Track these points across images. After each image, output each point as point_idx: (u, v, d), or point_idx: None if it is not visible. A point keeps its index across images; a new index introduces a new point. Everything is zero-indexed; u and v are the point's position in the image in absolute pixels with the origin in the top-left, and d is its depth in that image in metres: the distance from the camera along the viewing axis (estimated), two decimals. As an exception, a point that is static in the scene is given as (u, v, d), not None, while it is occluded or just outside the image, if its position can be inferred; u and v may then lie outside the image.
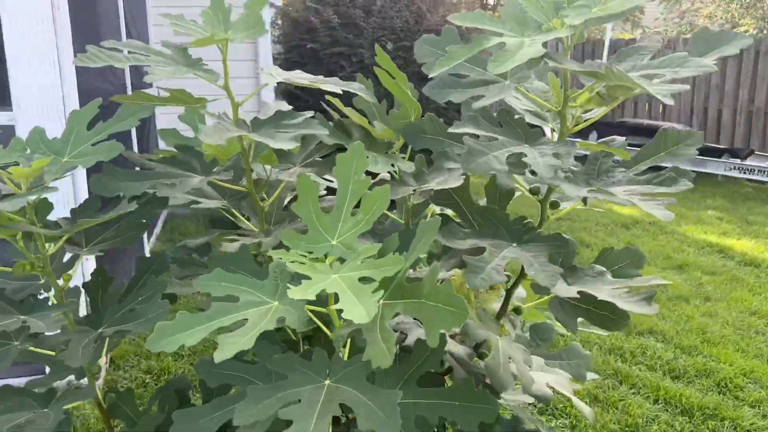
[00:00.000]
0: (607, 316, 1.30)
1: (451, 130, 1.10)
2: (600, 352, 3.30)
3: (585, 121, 1.18)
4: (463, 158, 1.02)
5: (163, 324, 0.89)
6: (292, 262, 0.94)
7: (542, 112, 1.25)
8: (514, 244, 1.19)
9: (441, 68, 1.04)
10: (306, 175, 1.02)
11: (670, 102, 0.92)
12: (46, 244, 1.13)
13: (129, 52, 1.11)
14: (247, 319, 0.90)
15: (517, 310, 1.38)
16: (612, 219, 6.01)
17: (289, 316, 0.91)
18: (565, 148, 1.07)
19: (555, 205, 1.29)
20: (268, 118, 1.17)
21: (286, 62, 6.75)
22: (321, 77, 1.22)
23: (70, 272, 1.20)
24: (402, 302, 0.92)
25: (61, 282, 1.19)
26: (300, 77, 1.20)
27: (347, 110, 1.33)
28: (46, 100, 2.13)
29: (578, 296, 1.29)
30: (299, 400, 0.91)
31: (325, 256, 0.99)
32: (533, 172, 1.22)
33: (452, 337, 1.34)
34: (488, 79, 1.17)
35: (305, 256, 0.98)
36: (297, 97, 5.97)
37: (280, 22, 6.89)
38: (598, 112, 1.20)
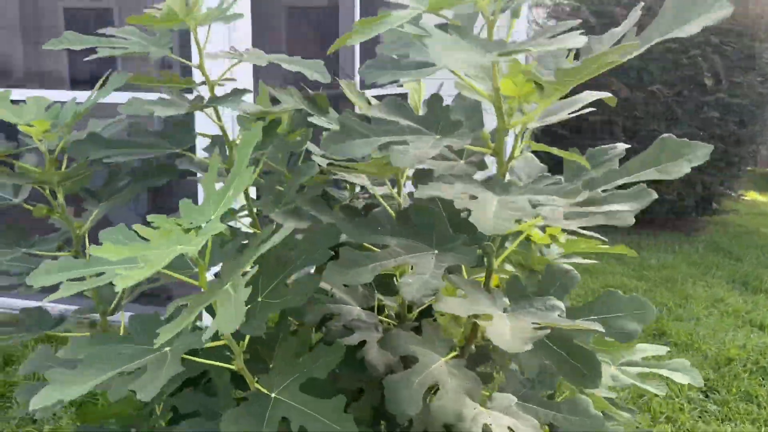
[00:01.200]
0: (578, 368, 1.06)
1: (360, 112, 1.00)
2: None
3: (525, 115, 0.96)
4: (326, 138, 0.92)
5: (48, 263, 1.00)
6: (150, 226, 0.98)
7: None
8: (436, 251, 1.04)
9: (338, 45, 0.96)
10: (215, 153, 1.06)
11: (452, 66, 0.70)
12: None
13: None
14: (104, 273, 0.97)
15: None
16: None
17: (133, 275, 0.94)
18: (460, 140, 0.90)
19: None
20: (226, 93, 1.22)
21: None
22: (283, 56, 1.22)
23: (84, 221, 1.41)
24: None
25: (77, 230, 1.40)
26: (262, 57, 1.21)
27: (343, 83, 1.30)
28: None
29: (546, 333, 1.07)
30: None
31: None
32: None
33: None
34: (426, 61, 1.03)
35: (180, 225, 1.01)
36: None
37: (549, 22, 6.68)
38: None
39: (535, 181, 0.95)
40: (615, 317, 1.11)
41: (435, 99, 1.01)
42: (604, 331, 0.90)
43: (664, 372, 1.44)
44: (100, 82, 1.28)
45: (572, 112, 1.03)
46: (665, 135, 0.97)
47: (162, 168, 1.42)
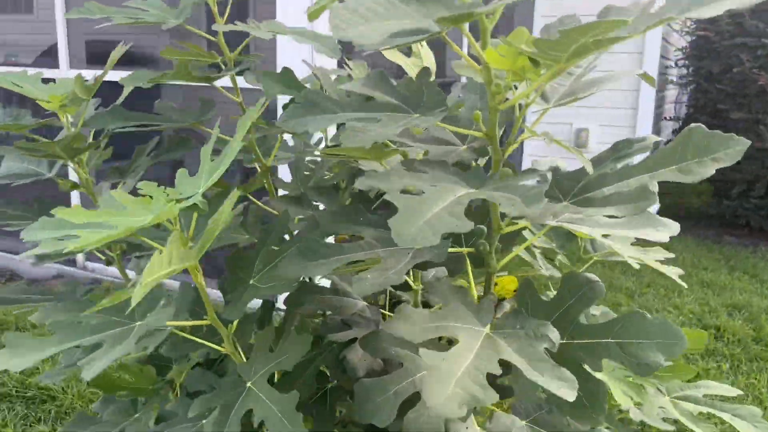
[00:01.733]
0: (580, 397, 0.90)
1: (340, 86, 0.91)
2: None
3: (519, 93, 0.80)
4: (284, 113, 0.84)
5: (45, 219, 0.99)
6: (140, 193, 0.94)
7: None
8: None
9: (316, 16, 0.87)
10: (217, 125, 1.02)
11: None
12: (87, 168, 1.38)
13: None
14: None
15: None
16: None
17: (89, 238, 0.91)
18: (433, 119, 0.77)
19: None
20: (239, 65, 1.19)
21: (689, 58, 6.00)
22: (299, 29, 1.15)
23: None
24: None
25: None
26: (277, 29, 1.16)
27: (353, 64, 1.22)
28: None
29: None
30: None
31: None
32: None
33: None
34: (419, 28, 0.90)
35: (167, 194, 0.97)
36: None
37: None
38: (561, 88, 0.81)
39: (519, 176, 0.80)
40: (637, 344, 0.91)
41: (423, 73, 0.89)
42: (572, 399, 0.73)
43: (726, 417, 1.20)
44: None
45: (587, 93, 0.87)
46: (693, 125, 0.77)
47: (179, 141, 1.42)
